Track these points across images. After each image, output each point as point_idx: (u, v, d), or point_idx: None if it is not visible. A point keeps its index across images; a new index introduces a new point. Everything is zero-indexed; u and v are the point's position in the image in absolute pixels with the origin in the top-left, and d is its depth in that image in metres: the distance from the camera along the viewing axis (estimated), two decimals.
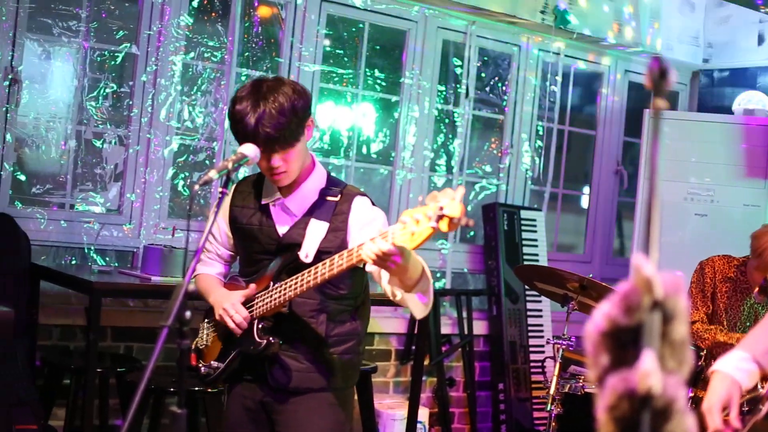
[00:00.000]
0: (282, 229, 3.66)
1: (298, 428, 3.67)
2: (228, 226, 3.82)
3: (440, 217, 2.90)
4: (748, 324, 4.94)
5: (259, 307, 3.58)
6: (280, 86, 3.51)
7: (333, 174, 3.90)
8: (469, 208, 7.45)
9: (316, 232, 3.59)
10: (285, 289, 3.48)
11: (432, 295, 3.45)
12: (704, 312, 4.91)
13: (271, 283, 3.56)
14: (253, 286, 3.63)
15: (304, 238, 3.59)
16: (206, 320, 3.88)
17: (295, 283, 3.44)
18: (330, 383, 3.69)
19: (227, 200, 3.80)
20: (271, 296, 3.54)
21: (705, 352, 4.76)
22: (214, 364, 3.74)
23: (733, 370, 3.32)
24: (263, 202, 3.72)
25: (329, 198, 3.65)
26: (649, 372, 1.32)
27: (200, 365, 3.80)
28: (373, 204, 3.70)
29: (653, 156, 1.49)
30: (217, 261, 3.92)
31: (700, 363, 4.76)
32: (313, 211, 3.63)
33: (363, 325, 3.77)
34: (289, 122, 3.45)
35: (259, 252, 3.70)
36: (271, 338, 3.57)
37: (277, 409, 3.69)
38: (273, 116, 3.42)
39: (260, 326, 3.59)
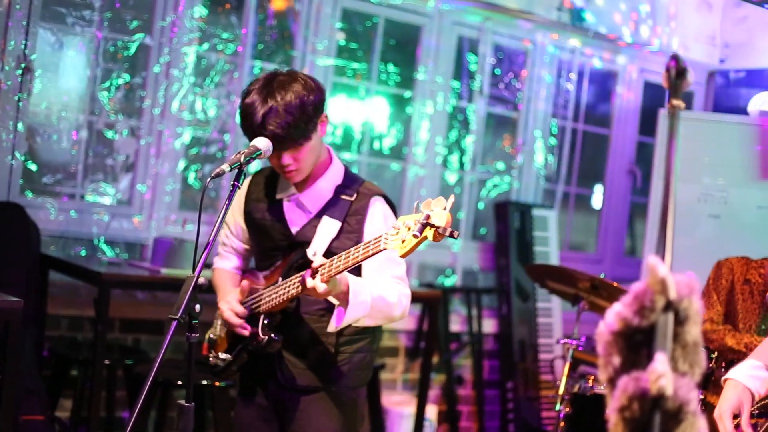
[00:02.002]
0: (295, 226, 3.63)
1: (309, 428, 3.64)
2: (242, 219, 3.79)
3: (425, 226, 2.89)
4: (763, 327, 4.90)
5: (266, 303, 3.54)
6: (292, 82, 3.46)
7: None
8: (480, 206, 7.43)
9: (327, 230, 3.55)
10: (289, 286, 3.45)
11: (349, 322, 3.44)
12: (715, 313, 4.88)
13: (280, 279, 3.53)
14: (245, 283, 3.61)
15: (314, 236, 3.57)
16: None
17: (299, 281, 3.40)
18: (341, 382, 3.65)
19: (243, 192, 3.78)
20: (277, 293, 3.50)
21: (716, 354, 4.73)
22: (223, 356, 3.72)
23: (745, 378, 3.33)
24: (277, 197, 3.69)
25: (344, 196, 3.61)
26: (661, 373, 1.30)
27: (210, 356, 3.78)
28: (390, 203, 3.68)
29: (670, 155, 1.46)
30: (233, 254, 3.90)
31: (710, 365, 4.73)
32: (327, 208, 3.60)
33: None
34: (296, 120, 3.40)
35: (272, 248, 3.68)
36: (273, 335, 3.54)
37: (287, 407, 3.67)
38: (280, 114, 3.37)
39: (265, 322, 3.56)
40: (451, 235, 2.89)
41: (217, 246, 3.91)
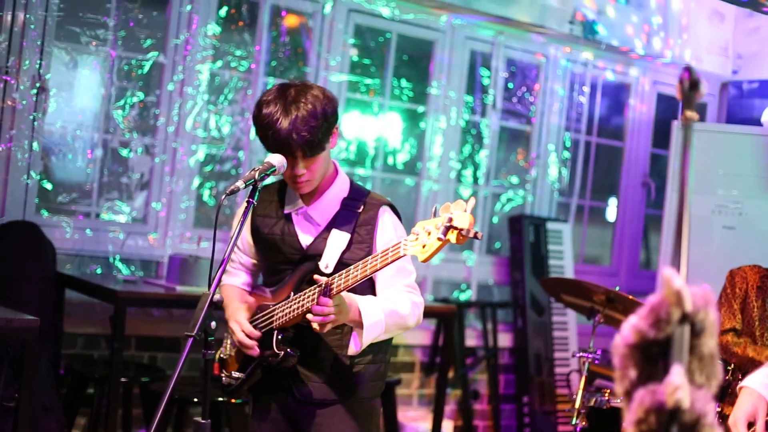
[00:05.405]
0: (306, 239, 3.62)
1: None
2: (250, 235, 3.78)
3: (448, 229, 2.88)
4: None
5: (279, 318, 3.54)
6: (309, 90, 3.47)
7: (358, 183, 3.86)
8: (495, 220, 7.43)
9: (338, 243, 3.55)
10: (303, 299, 3.44)
11: (370, 341, 3.46)
12: (737, 322, 4.85)
13: (292, 293, 3.52)
14: (251, 299, 3.62)
15: (325, 249, 3.56)
16: None
17: (314, 294, 3.41)
18: (356, 394, 3.64)
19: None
20: (290, 307, 3.49)
21: (732, 366, 4.71)
22: (236, 374, 3.71)
23: (760, 386, 3.31)
24: (286, 211, 3.68)
25: (352, 208, 3.61)
26: (678, 386, 1.30)
27: (222, 375, 3.77)
28: (397, 213, 3.67)
29: (684, 167, 1.46)
30: (241, 270, 3.88)
31: (727, 378, 4.71)
32: (335, 220, 3.60)
33: None
34: (321, 127, 3.41)
35: (282, 262, 3.66)
36: (289, 350, 3.53)
37: (303, 421, 3.65)
38: (306, 121, 3.37)
39: (279, 337, 3.54)
40: (475, 237, 2.89)
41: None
